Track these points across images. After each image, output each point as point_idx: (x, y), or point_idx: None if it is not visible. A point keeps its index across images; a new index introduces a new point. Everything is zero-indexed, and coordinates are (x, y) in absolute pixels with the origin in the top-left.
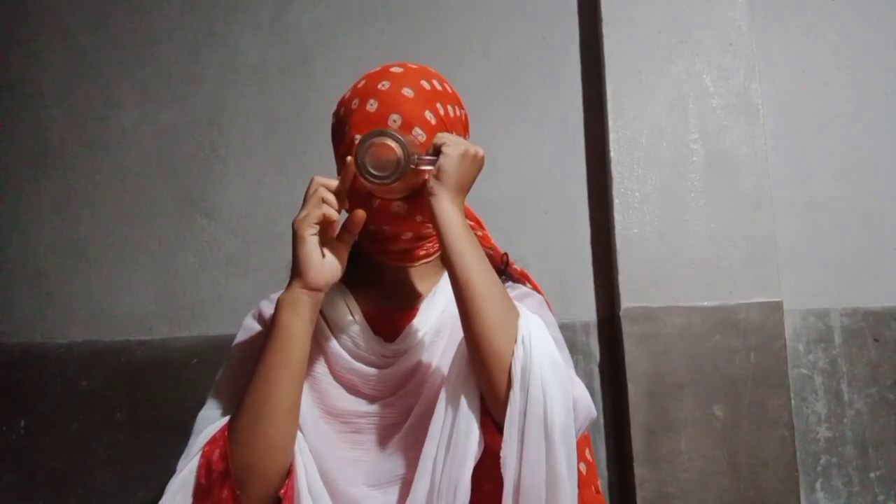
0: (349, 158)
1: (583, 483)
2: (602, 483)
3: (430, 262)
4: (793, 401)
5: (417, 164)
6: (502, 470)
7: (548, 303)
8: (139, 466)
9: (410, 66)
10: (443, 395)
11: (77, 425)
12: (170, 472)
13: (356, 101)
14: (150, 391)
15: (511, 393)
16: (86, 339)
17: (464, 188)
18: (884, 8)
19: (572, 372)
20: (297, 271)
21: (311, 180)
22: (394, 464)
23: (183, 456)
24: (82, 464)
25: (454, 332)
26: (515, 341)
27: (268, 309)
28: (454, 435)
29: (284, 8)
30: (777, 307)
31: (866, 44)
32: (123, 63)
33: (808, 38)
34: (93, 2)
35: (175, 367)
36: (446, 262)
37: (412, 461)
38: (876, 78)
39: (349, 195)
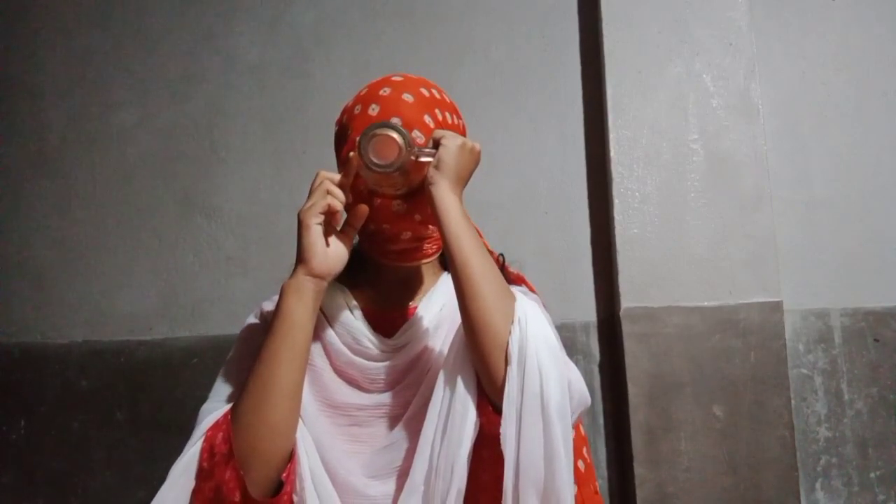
0: (352, 154)
1: (581, 481)
2: (602, 483)
3: (428, 262)
4: (793, 401)
5: (418, 156)
6: (502, 447)
7: (543, 304)
8: (139, 466)
9: (411, 76)
10: (440, 379)
11: (77, 425)
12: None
13: (358, 106)
14: (150, 391)
15: (508, 370)
16: (86, 339)
17: (462, 179)
18: (884, 8)
19: (566, 357)
20: (301, 258)
21: (317, 174)
22: (392, 456)
23: (188, 443)
24: (82, 464)
25: (452, 328)
26: (512, 322)
27: (269, 307)
28: (451, 416)
29: (284, 8)
30: (777, 307)
31: (866, 44)
32: (123, 63)
33: (808, 38)
34: (93, 2)
35: (175, 367)
36: (445, 247)
37: (410, 452)
38: (876, 78)
39: (351, 194)
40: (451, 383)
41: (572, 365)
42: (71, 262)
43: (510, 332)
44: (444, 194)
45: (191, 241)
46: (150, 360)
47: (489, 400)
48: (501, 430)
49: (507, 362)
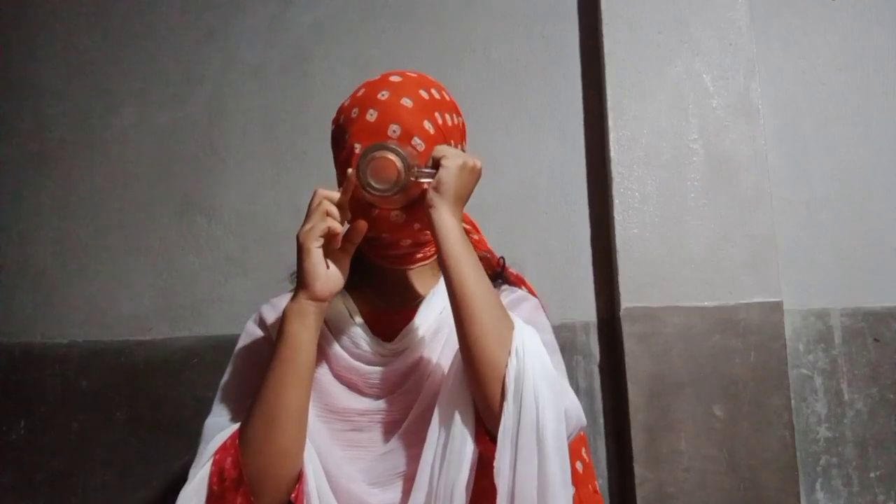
0: (350, 171)
1: (579, 482)
2: (602, 483)
3: (427, 264)
4: (793, 401)
5: (417, 177)
6: (496, 479)
7: (543, 306)
8: (139, 466)
9: (409, 74)
10: (438, 407)
11: (77, 425)
12: (170, 472)
13: (356, 109)
14: (150, 391)
15: (505, 404)
16: (86, 339)
17: (462, 199)
18: (884, 8)
19: (564, 380)
20: (303, 283)
21: (315, 193)
22: (393, 461)
23: (194, 464)
24: (82, 464)
25: (453, 332)
26: (509, 353)
27: (268, 313)
28: (450, 443)
29: (284, 8)
30: (777, 307)
31: (866, 44)
32: (123, 63)
33: (808, 38)
34: (93, 2)
35: (175, 367)
36: (444, 272)
37: (411, 458)
38: (876, 78)
39: (349, 205)
40: (449, 409)
41: (569, 389)
42: (71, 262)
43: (507, 364)
44: (444, 218)
45: (191, 241)
46: (150, 360)
47: (486, 428)
48: (496, 463)
49: (503, 395)
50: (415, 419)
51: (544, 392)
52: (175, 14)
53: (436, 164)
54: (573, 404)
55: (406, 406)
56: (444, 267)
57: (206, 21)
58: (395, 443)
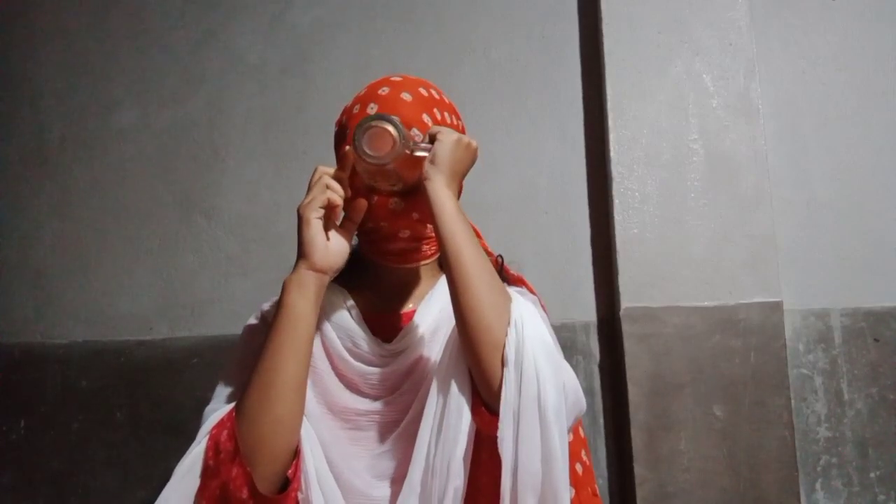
0: (348, 147)
1: (579, 484)
2: (602, 483)
3: (427, 264)
4: (793, 401)
5: (413, 150)
6: (500, 450)
7: (543, 305)
8: (139, 466)
9: (410, 76)
10: (435, 380)
11: (77, 425)
12: (170, 472)
13: (357, 106)
14: (150, 391)
15: (506, 372)
16: (86, 339)
17: (458, 174)
18: (884, 8)
19: (562, 359)
20: (302, 253)
21: (315, 169)
22: (392, 460)
23: (192, 444)
24: (82, 464)
25: (451, 329)
26: (508, 323)
27: (269, 308)
28: (446, 416)
29: (284, 8)
30: (777, 307)
31: (866, 44)
32: (123, 63)
33: (808, 38)
34: (93, 2)
35: (175, 367)
36: (439, 243)
37: (406, 459)
38: (876, 78)
39: (350, 191)
40: (445, 383)
41: (567, 367)
42: (71, 262)
43: (507, 334)
44: (439, 189)
45: (191, 241)
46: (150, 360)
47: (482, 400)
48: (499, 434)
49: (503, 364)
50: (413, 419)
51: (544, 364)
52: (175, 14)
53: (432, 140)
54: (571, 380)
55: (405, 407)
56: (439, 237)
57: (206, 21)
58: (392, 443)
